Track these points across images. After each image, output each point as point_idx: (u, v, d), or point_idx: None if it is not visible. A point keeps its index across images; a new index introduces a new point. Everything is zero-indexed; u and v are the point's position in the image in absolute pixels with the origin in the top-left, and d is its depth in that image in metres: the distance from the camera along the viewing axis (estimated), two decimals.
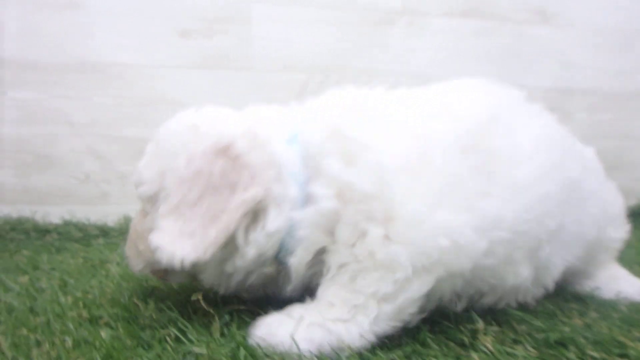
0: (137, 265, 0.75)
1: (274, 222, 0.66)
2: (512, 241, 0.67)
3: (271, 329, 0.61)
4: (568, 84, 2.01)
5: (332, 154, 0.65)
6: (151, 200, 0.73)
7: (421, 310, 0.65)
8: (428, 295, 0.64)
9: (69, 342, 0.62)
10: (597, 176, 0.90)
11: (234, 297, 0.74)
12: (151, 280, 0.89)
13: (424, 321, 0.66)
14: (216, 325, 0.67)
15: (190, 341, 0.62)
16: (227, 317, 0.70)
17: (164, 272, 0.76)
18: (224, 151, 0.67)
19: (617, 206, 0.94)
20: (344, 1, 1.82)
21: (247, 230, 0.67)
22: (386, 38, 1.84)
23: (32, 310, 0.76)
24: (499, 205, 0.66)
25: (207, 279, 0.72)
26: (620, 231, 0.94)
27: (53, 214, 1.57)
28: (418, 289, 0.61)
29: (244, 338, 0.62)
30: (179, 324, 0.67)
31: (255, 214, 0.66)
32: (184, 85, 1.70)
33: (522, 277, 0.72)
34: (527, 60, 1.98)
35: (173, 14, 1.70)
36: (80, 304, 0.78)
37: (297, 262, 0.67)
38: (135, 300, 0.79)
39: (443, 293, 0.67)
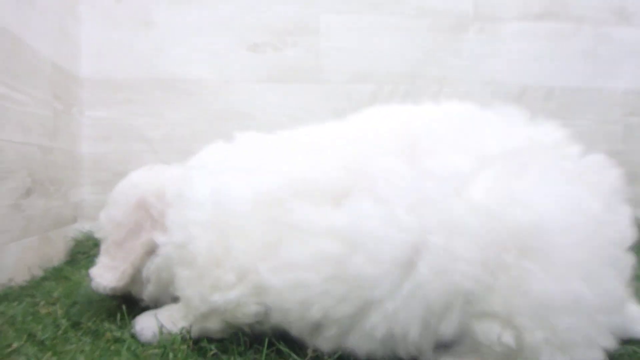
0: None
1: (156, 258, 0.85)
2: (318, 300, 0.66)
3: (137, 322, 0.81)
4: None
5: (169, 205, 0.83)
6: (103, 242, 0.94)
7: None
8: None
9: None
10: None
11: None
12: None
13: None
14: None
15: None
16: None
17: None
18: (142, 205, 0.87)
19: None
20: (414, 8, 1.77)
21: (150, 264, 0.86)
22: (458, 44, 1.77)
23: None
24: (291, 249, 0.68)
25: (145, 298, 0.90)
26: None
27: None
28: (209, 326, 0.75)
29: None
30: None
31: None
32: (255, 98, 1.69)
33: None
34: (606, 62, 1.88)
35: (243, 28, 1.70)
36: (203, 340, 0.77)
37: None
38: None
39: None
